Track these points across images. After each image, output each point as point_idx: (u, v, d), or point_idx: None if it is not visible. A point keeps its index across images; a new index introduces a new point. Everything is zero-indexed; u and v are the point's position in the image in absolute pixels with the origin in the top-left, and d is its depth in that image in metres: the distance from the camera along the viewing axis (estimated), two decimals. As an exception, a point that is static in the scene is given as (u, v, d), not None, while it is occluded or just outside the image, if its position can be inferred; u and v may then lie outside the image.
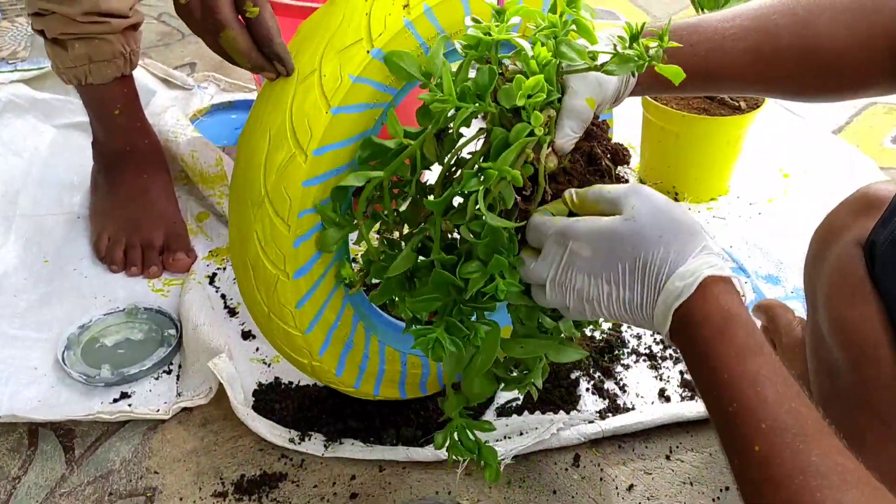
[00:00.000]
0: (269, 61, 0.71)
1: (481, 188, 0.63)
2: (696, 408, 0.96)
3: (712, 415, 0.58)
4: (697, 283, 0.58)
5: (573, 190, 0.67)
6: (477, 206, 0.63)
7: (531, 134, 0.64)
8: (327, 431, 0.93)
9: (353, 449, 0.91)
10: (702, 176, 1.33)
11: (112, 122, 1.20)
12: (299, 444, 0.91)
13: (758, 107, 1.28)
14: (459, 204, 0.69)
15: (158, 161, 1.24)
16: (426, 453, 0.90)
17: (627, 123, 1.36)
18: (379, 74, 0.73)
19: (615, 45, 0.66)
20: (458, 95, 0.65)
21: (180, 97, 1.54)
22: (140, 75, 1.41)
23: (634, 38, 0.64)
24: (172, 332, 1.04)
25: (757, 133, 1.35)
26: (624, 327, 1.09)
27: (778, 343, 0.98)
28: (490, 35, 0.66)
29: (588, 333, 1.07)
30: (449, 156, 0.70)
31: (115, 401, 0.96)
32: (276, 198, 0.72)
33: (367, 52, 0.71)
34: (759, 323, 1.04)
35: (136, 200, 1.18)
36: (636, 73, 0.71)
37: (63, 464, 0.90)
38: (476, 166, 0.66)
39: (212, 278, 1.14)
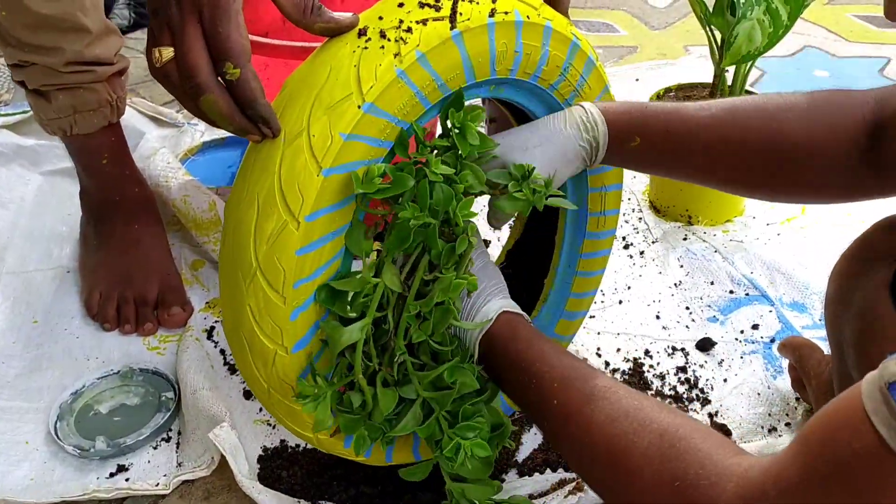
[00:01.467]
0: (254, 124, 0.66)
1: (448, 299, 0.71)
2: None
3: (524, 404, 0.71)
4: (496, 316, 0.72)
5: None
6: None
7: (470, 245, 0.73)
8: (339, 499, 0.87)
9: (365, 518, 0.86)
10: (716, 198, 1.27)
11: (100, 172, 1.15)
12: (309, 514, 0.86)
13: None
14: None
15: (150, 210, 1.19)
16: (443, 520, 0.85)
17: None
18: (372, 129, 0.67)
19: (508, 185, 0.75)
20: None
21: (170, 136, 1.50)
22: (127, 115, 1.36)
23: (524, 178, 0.74)
24: (170, 395, 0.99)
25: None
26: (646, 367, 1.03)
27: (807, 384, 0.92)
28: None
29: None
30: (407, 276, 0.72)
31: (112, 475, 0.90)
32: (268, 269, 0.67)
33: (359, 106, 0.66)
34: (786, 361, 0.99)
35: (127, 253, 1.13)
36: (593, 158, 0.78)
37: (58, 548, 0.85)
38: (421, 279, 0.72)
39: (210, 332, 1.09)
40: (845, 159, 0.75)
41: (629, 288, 1.18)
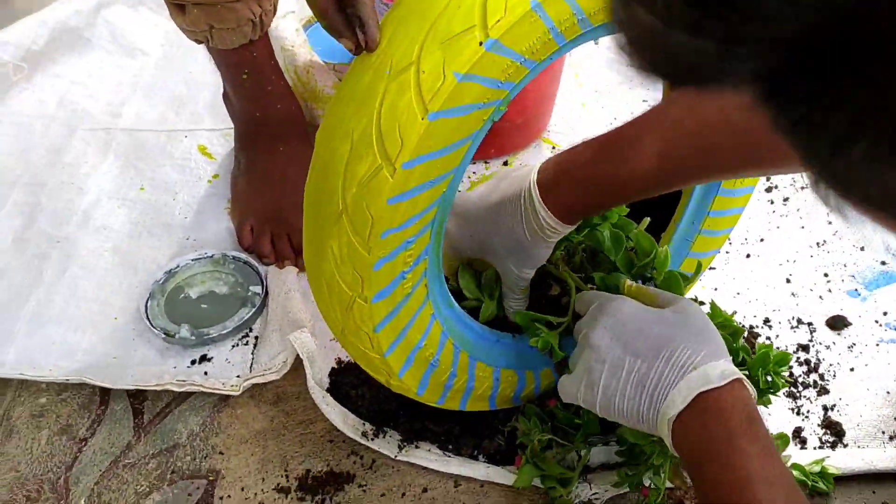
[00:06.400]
0: (350, 26, 0.57)
1: None
2: (844, 460, 0.82)
3: None
4: (729, 379, 0.60)
5: (631, 282, 0.75)
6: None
7: None
8: (403, 430, 0.84)
9: (428, 456, 0.82)
10: None
11: (240, 86, 1.04)
12: (372, 440, 0.83)
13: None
14: None
15: (296, 127, 1.08)
16: (508, 475, 0.80)
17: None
18: (493, 69, 0.58)
19: None
20: None
21: (302, -7, 1.42)
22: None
23: None
24: (258, 289, 0.96)
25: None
26: (762, 338, 0.93)
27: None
28: None
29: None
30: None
31: (193, 363, 0.90)
32: (355, 215, 0.60)
33: (480, 43, 0.57)
34: None
35: (275, 185, 1.04)
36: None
37: (131, 430, 0.85)
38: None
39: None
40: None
41: (762, 240, 1.06)
